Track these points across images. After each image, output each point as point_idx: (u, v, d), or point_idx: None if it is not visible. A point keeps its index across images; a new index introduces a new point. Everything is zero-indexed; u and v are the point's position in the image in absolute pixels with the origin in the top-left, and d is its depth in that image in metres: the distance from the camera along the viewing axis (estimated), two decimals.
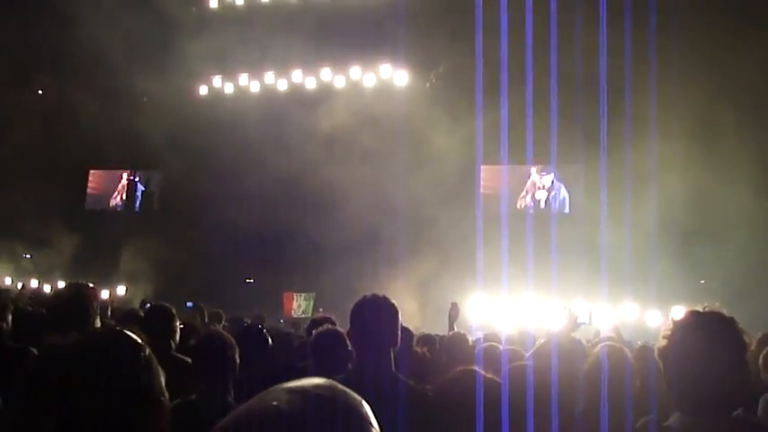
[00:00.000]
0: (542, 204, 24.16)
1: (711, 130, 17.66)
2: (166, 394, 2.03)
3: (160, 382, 2.01)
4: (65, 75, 24.20)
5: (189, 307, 13.15)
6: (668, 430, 2.39)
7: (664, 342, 2.48)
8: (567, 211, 23.80)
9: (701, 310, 2.49)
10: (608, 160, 16.83)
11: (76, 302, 3.84)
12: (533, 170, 24.23)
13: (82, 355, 1.99)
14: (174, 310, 5.33)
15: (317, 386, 1.10)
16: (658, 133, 17.06)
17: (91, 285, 4.13)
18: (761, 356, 4.48)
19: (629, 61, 14.81)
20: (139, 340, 2.02)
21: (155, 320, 5.24)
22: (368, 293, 3.62)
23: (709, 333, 2.40)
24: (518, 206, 24.24)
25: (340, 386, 1.13)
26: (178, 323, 5.36)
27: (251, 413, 1.06)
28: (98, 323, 3.91)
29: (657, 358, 2.51)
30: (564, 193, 24.13)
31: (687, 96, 17.72)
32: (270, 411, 1.04)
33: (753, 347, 2.53)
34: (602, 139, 16.58)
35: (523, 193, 24.46)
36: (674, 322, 2.49)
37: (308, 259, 22.38)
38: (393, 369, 3.37)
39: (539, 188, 24.32)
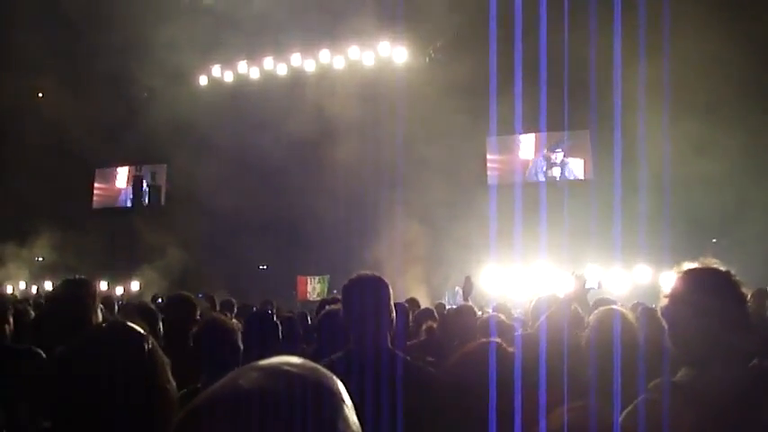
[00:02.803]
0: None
1: (722, 88, 17.51)
2: (173, 382, 2.08)
3: (165, 371, 2.06)
4: (64, 76, 24.19)
5: (199, 297, 13.17)
6: (677, 386, 2.44)
7: (665, 301, 2.56)
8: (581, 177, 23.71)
9: (698, 266, 2.57)
10: (621, 123, 16.71)
11: (72, 300, 3.76)
12: (544, 149, 24.09)
13: (87, 350, 2.04)
14: (194, 299, 5.29)
15: (286, 363, 1.07)
16: (670, 94, 16.93)
17: (86, 280, 4.04)
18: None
19: (643, 24, 14.61)
20: (142, 332, 2.07)
21: (174, 311, 5.23)
22: (360, 272, 3.57)
23: (707, 288, 2.48)
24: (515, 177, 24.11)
25: (311, 363, 1.09)
26: (198, 312, 5.29)
27: (217, 394, 1.02)
28: (99, 318, 3.82)
29: (661, 317, 2.60)
30: (574, 164, 24.03)
31: (698, 55, 17.56)
32: (236, 391, 1.01)
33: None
34: (615, 103, 16.43)
35: (534, 170, 24.33)
36: (674, 281, 2.56)
37: (321, 241, 22.41)
38: (388, 345, 3.33)
39: (553, 164, 24.21)
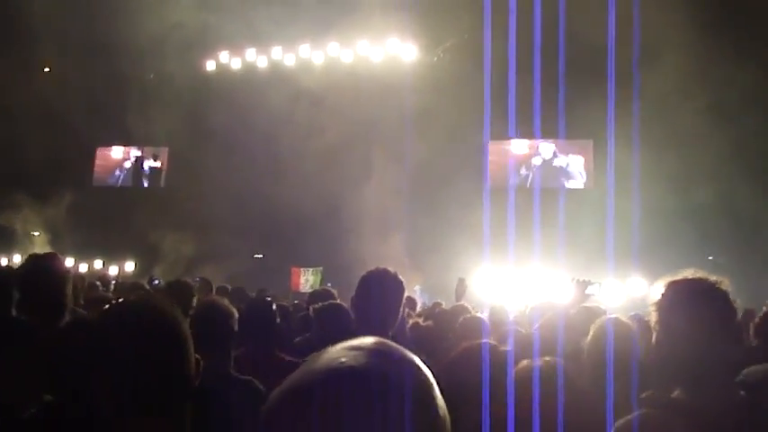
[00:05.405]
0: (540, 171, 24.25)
1: (724, 104, 17.51)
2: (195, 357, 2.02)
3: (191, 345, 2.01)
4: (71, 53, 24.11)
5: (196, 281, 13.19)
6: (675, 403, 2.36)
7: (654, 314, 2.47)
8: (575, 179, 23.81)
9: (689, 277, 2.48)
10: (616, 134, 16.73)
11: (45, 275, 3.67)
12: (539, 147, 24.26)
13: (123, 322, 1.96)
14: (193, 286, 5.27)
15: (374, 342, 1.07)
16: (667, 106, 16.94)
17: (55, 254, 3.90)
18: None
19: (637, 35, 14.64)
20: (174, 307, 2.02)
21: (176, 297, 5.17)
22: (374, 268, 3.59)
23: (696, 299, 2.40)
24: (510, 180, 24.27)
25: (388, 341, 1.10)
26: (195, 300, 5.26)
27: (323, 372, 1.02)
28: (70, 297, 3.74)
29: (652, 329, 2.49)
30: (568, 160, 24.16)
31: (697, 69, 17.58)
32: (343, 368, 1.01)
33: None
34: (610, 113, 16.44)
35: (530, 163, 24.48)
36: (662, 292, 2.47)
37: (317, 234, 22.37)
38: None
39: (536, 155, 24.39)
